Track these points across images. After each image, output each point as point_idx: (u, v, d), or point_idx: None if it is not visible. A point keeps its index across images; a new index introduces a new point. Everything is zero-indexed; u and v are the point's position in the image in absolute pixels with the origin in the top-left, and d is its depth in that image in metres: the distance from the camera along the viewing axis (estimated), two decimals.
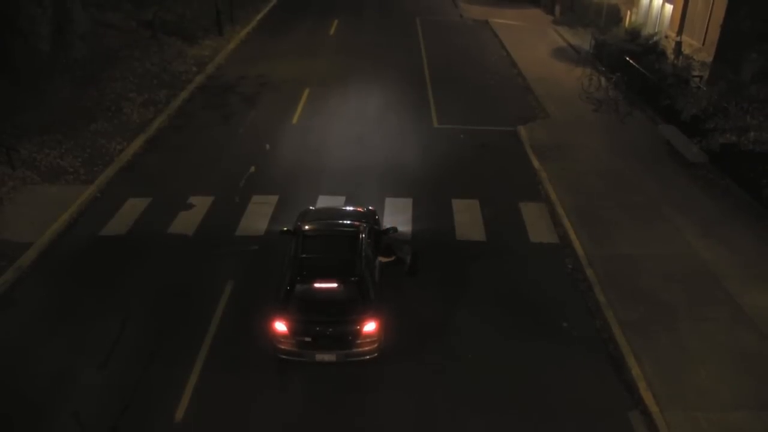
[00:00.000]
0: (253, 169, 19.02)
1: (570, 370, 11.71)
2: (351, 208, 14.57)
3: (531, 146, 20.65)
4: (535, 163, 19.50)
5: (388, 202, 17.19)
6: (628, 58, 25.51)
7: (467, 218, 16.57)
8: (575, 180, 18.38)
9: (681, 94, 20.38)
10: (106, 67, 25.61)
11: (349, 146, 20.79)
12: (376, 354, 11.41)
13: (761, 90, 15.98)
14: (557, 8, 39.44)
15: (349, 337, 11.12)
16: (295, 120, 22.98)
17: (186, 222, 16.22)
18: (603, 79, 26.78)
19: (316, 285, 11.30)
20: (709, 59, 23.53)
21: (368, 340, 11.18)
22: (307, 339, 11.08)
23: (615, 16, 33.00)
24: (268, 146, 20.61)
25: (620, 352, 11.99)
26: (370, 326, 11.11)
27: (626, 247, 15.22)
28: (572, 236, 15.62)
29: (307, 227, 12.80)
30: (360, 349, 11.23)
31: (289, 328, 11.04)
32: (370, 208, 14.78)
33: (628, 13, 33.10)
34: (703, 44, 24.70)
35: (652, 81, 23.24)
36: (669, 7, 28.49)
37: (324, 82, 27.16)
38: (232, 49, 32.11)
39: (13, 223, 15.73)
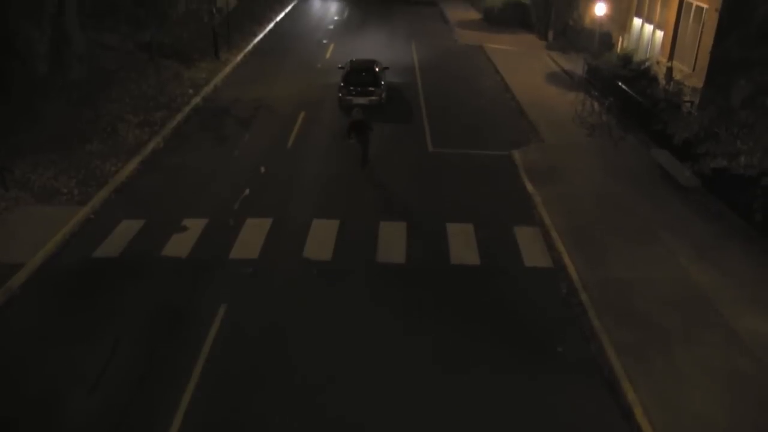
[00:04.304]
0: (247, 191, 19.03)
1: (565, 395, 11.65)
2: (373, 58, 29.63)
3: (525, 170, 20.75)
4: (529, 187, 19.58)
5: (382, 225, 17.20)
6: (620, 83, 25.76)
7: (461, 242, 16.58)
8: (569, 204, 18.45)
9: (673, 119, 20.55)
10: (103, 88, 25.69)
11: (343, 167, 20.88)
12: (382, 100, 26.09)
13: (750, 115, 16.15)
14: (550, 34, 39.86)
15: (370, 94, 25.79)
16: (290, 143, 23.05)
17: (179, 244, 16.17)
18: (596, 104, 27.01)
19: (357, 73, 26.48)
20: (700, 85, 23.77)
21: (377, 94, 25.91)
22: (354, 95, 25.76)
23: (607, 42, 33.35)
24: (263, 169, 20.64)
25: (616, 376, 11.95)
26: (380, 88, 26.01)
27: (621, 270, 15.25)
28: (566, 260, 15.64)
29: (353, 59, 28.40)
30: (375, 97, 25.82)
31: (343, 91, 25.92)
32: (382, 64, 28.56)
33: (620, 39, 33.44)
34: (694, 70, 24.96)
35: (645, 106, 23.44)
36: (660, 34, 28.83)
37: (320, 105, 27.30)
38: (228, 71, 32.28)
39: (5, 244, 15.64)
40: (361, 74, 26.27)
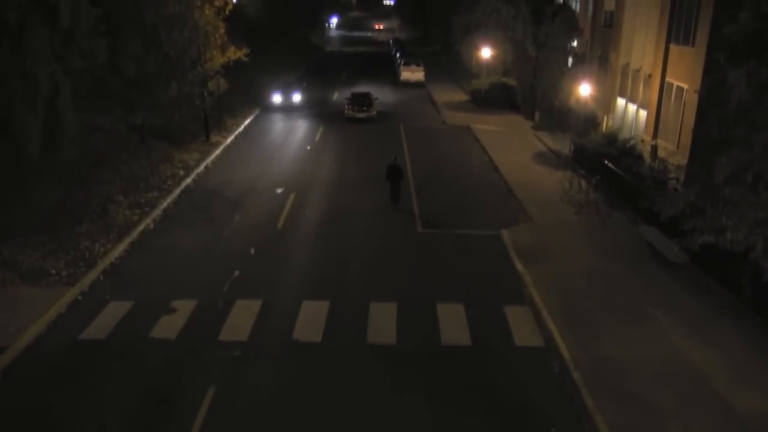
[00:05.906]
0: (237, 273, 18.95)
1: None
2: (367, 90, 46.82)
3: (514, 249, 20.82)
4: (519, 267, 19.60)
5: (373, 306, 17.08)
6: (606, 162, 26.24)
7: (452, 323, 16.42)
8: (559, 282, 18.44)
9: (659, 196, 20.81)
10: (94, 169, 25.90)
11: (333, 249, 20.92)
12: (374, 114, 41.73)
13: (734, 192, 16.40)
14: (536, 114, 40.84)
15: (365, 111, 41.54)
16: (280, 224, 23.14)
17: (168, 326, 15.96)
18: (583, 182, 27.40)
19: (358, 98, 42.99)
20: (684, 162, 24.24)
21: (370, 111, 41.75)
22: (356, 111, 41.53)
23: (592, 122, 34.17)
24: (252, 250, 20.63)
25: None
26: (372, 107, 42.08)
27: (613, 349, 15.12)
28: (558, 339, 15.51)
29: (354, 91, 45.52)
30: (368, 113, 41.54)
31: (349, 107, 41.88)
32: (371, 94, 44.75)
33: (605, 118, 34.32)
34: (678, 147, 25.52)
35: (631, 183, 23.81)
36: (643, 113, 29.62)
37: (309, 187, 27.56)
38: (218, 153, 32.76)
39: None
40: (360, 98, 42.75)
